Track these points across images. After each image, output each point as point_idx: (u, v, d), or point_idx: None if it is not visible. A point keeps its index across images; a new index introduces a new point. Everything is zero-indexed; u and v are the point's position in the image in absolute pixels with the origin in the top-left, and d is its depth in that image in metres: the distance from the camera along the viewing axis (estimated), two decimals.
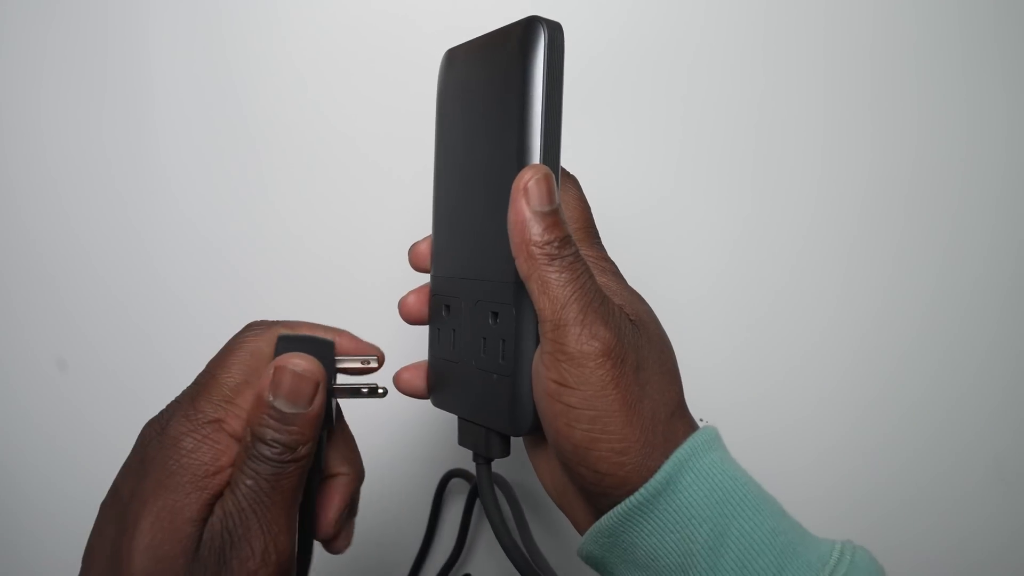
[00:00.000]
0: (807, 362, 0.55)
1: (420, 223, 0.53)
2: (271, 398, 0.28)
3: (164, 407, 0.29)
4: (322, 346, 0.30)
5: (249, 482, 0.27)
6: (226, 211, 0.53)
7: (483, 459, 0.33)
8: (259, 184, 0.54)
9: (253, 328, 0.30)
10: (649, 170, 0.55)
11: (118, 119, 0.53)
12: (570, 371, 0.27)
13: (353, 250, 0.54)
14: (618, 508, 0.27)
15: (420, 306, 0.36)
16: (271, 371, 0.28)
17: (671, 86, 0.55)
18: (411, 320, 0.37)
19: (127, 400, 0.52)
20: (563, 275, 0.27)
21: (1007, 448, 0.56)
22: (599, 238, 0.33)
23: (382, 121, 0.54)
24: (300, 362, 0.28)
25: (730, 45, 0.55)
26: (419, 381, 0.36)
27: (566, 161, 0.34)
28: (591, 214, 0.33)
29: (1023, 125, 0.56)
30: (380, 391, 0.32)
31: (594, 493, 0.28)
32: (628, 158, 0.55)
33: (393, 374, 0.36)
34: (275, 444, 0.27)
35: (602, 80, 0.55)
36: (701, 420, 0.30)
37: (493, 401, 0.31)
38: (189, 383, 0.30)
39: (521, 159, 0.29)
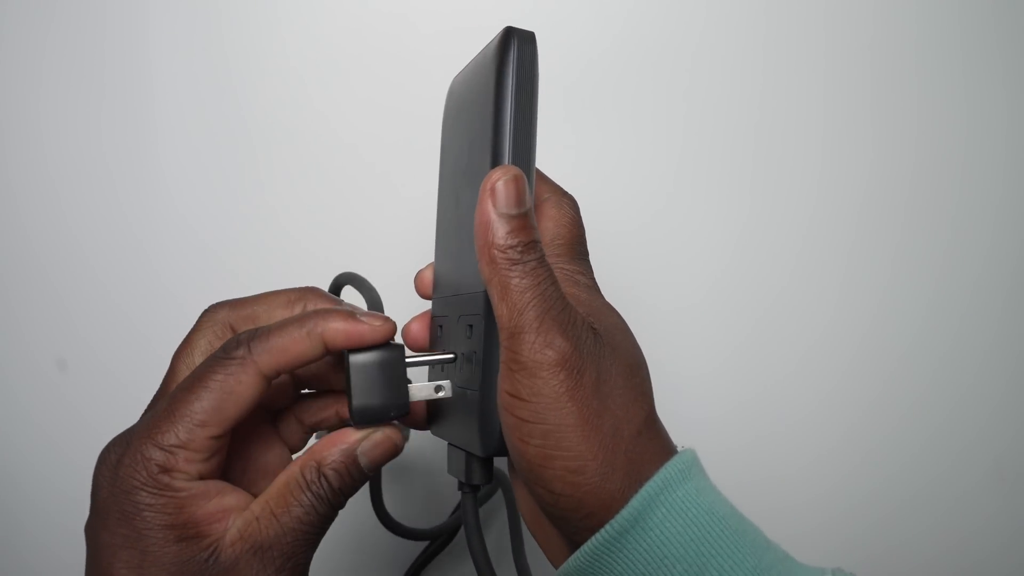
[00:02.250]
0: (807, 363, 0.55)
1: (418, 225, 0.53)
2: (360, 454, 0.28)
3: (117, 439, 0.27)
4: (396, 352, 0.29)
5: (300, 512, 0.27)
6: (225, 213, 0.53)
7: (467, 487, 0.31)
8: (257, 186, 0.54)
9: (232, 358, 0.27)
10: (648, 171, 0.55)
11: (117, 120, 0.53)
12: (523, 382, 0.25)
13: (353, 252, 0.54)
14: (584, 548, 0.25)
15: (424, 332, 0.36)
16: (376, 434, 0.28)
17: (671, 87, 0.55)
18: (415, 348, 0.36)
19: (127, 400, 0.52)
20: (524, 280, 0.26)
21: (1007, 448, 0.56)
22: (587, 257, 0.32)
23: (381, 123, 0.54)
24: (399, 443, 0.29)
25: (730, 46, 0.55)
26: (419, 408, 0.35)
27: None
28: (582, 234, 0.32)
29: (1023, 125, 0.56)
30: (450, 356, 0.31)
31: (553, 516, 0.26)
32: (627, 159, 0.55)
33: None
34: (340, 493, 0.28)
35: (601, 82, 0.55)
36: (680, 446, 0.28)
37: (467, 420, 0.30)
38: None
39: (493, 163, 0.28)
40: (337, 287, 0.41)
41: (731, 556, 0.25)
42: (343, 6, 0.54)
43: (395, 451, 0.29)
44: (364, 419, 0.28)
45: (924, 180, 0.56)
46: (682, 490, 0.25)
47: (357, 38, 0.54)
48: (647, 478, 0.25)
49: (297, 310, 0.30)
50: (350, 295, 0.39)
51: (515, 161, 0.28)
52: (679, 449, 0.28)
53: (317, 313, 0.28)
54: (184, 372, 0.29)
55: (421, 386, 0.30)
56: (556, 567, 0.30)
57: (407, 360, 0.30)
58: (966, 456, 0.55)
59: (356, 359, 0.28)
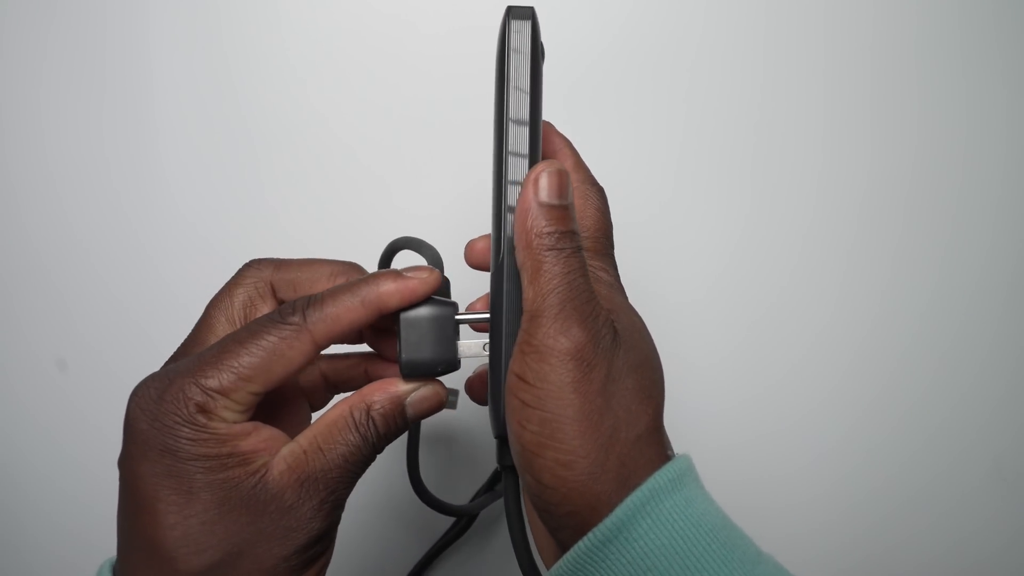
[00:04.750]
0: (807, 362, 0.55)
1: (417, 226, 0.53)
2: (407, 404, 0.29)
3: (155, 375, 0.28)
4: (447, 309, 0.30)
5: (345, 450, 0.27)
6: (225, 212, 0.53)
7: (507, 468, 0.31)
8: (258, 186, 0.54)
9: (288, 323, 0.27)
10: (649, 170, 0.55)
11: (118, 119, 0.53)
12: (531, 366, 0.26)
13: (353, 254, 0.53)
14: (566, 557, 0.25)
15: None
16: (424, 388, 0.29)
17: (671, 88, 0.55)
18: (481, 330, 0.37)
19: (127, 400, 0.52)
20: (555, 267, 0.26)
21: (1007, 448, 0.56)
22: (611, 252, 0.32)
23: (381, 123, 0.54)
24: (443, 400, 0.30)
25: (730, 46, 0.55)
26: (482, 384, 0.35)
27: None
28: (608, 227, 0.31)
29: (1023, 125, 0.56)
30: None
31: (538, 507, 0.26)
32: (628, 158, 0.55)
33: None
34: (384, 437, 0.28)
35: (602, 84, 0.55)
36: (676, 453, 0.27)
37: (488, 399, 0.30)
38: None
39: (498, 137, 0.29)
40: (392, 252, 0.41)
41: (718, 571, 0.24)
42: (343, 7, 0.54)
43: (439, 407, 0.30)
44: (413, 373, 0.29)
45: (925, 179, 0.56)
46: (670, 500, 0.25)
47: (357, 38, 0.54)
48: (637, 485, 0.25)
49: (340, 282, 0.31)
50: (408, 260, 0.39)
51: (517, 134, 0.29)
52: (674, 456, 0.27)
53: (366, 280, 0.29)
54: (221, 320, 0.30)
55: (470, 343, 0.30)
56: (543, 557, 0.30)
57: (458, 317, 0.30)
58: (966, 456, 0.55)
59: (407, 314, 0.29)
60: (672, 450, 0.27)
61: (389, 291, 0.28)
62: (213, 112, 0.53)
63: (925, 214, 0.56)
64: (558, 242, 0.27)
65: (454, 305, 0.30)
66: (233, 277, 0.31)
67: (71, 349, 0.53)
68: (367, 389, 0.29)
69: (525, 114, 0.29)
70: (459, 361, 0.30)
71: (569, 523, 0.25)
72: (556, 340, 0.25)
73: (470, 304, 0.36)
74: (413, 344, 0.29)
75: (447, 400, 0.31)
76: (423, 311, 0.29)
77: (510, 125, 0.28)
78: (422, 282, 0.29)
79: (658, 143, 0.55)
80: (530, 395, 0.25)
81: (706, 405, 0.54)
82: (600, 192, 0.32)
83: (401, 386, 0.29)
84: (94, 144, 0.53)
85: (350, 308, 0.28)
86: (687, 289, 0.55)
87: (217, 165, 0.53)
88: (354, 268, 0.32)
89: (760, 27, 0.55)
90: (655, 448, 0.26)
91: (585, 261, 0.27)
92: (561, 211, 0.27)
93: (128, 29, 0.53)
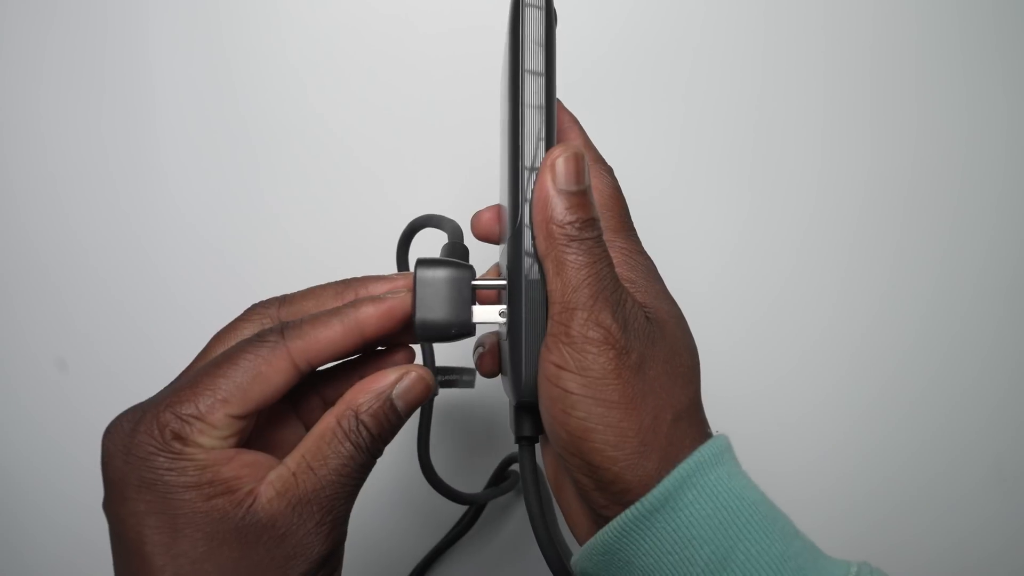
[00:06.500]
0: (807, 361, 0.55)
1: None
2: (395, 397, 0.28)
3: (128, 409, 0.27)
4: (464, 272, 0.29)
5: (337, 463, 0.26)
6: (226, 213, 0.53)
7: (524, 439, 0.31)
8: (258, 186, 0.54)
9: (265, 341, 0.27)
10: (651, 169, 0.55)
11: (118, 120, 0.53)
12: (571, 355, 0.26)
13: (351, 255, 0.54)
14: (612, 524, 0.26)
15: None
16: (408, 376, 0.28)
17: (672, 85, 0.55)
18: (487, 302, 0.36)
19: (127, 400, 0.52)
20: (580, 258, 0.26)
21: (1007, 448, 0.56)
22: (634, 230, 0.32)
23: (381, 124, 0.54)
24: (431, 384, 0.29)
25: (730, 44, 0.55)
26: (493, 365, 0.35)
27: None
28: (625, 205, 0.32)
29: (1023, 125, 0.56)
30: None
31: (587, 489, 0.27)
32: (629, 157, 0.55)
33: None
34: (380, 439, 0.27)
35: (604, 79, 0.55)
36: (715, 431, 0.29)
37: (506, 369, 0.30)
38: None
39: (513, 109, 0.29)
40: (412, 231, 0.41)
41: (759, 541, 0.25)
42: (343, 6, 0.54)
43: (428, 391, 0.29)
44: (426, 334, 0.29)
45: (925, 179, 0.56)
46: (714, 473, 0.26)
47: (357, 38, 0.54)
48: (681, 460, 0.26)
49: (349, 298, 0.30)
50: (429, 235, 0.39)
51: (531, 104, 0.28)
52: (714, 434, 0.28)
53: (350, 304, 0.28)
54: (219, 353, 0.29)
55: (486, 309, 0.30)
56: (576, 536, 0.30)
57: (475, 282, 0.30)
58: (966, 456, 0.55)
59: (423, 273, 0.29)
60: (711, 430, 0.29)
61: (368, 313, 0.28)
62: (213, 113, 0.53)
63: (925, 214, 0.56)
64: (580, 232, 0.27)
65: (471, 269, 0.30)
66: (238, 317, 0.30)
67: (71, 349, 0.53)
68: (349, 394, 0.28)
69: (541, 67, 0.28)
70: (474, 327, 0.30)
71: (620, 500, 0.26)
72: (593, 330, 0.26)
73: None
74: (428, 304, 0.29)
75: (461, 379, 0.30)
76: (440, 271, 0.29)
77: (527, 76, 0.28)
78: (400, 300, 0.28)
79: (657, 143, 0.55)
80: (574, 383, 0.26)
81: (705, 403, 0.54)
82: (611, 170, 0.32)
83: (383, 380, 0.28)
84: (94, 144, 0.53)
85: (329, 327, 0.27)
86: (687, 287, 0.55)
87: (217, 165, 0.53)
88: (347, 284, 0.31)
89: (760, 26, 0.55)
90: (697, 427, 0.28)
91: (607, 249, 0.28)
92: (580, 197, 0.27)
93: (128, 29, 0.53)
